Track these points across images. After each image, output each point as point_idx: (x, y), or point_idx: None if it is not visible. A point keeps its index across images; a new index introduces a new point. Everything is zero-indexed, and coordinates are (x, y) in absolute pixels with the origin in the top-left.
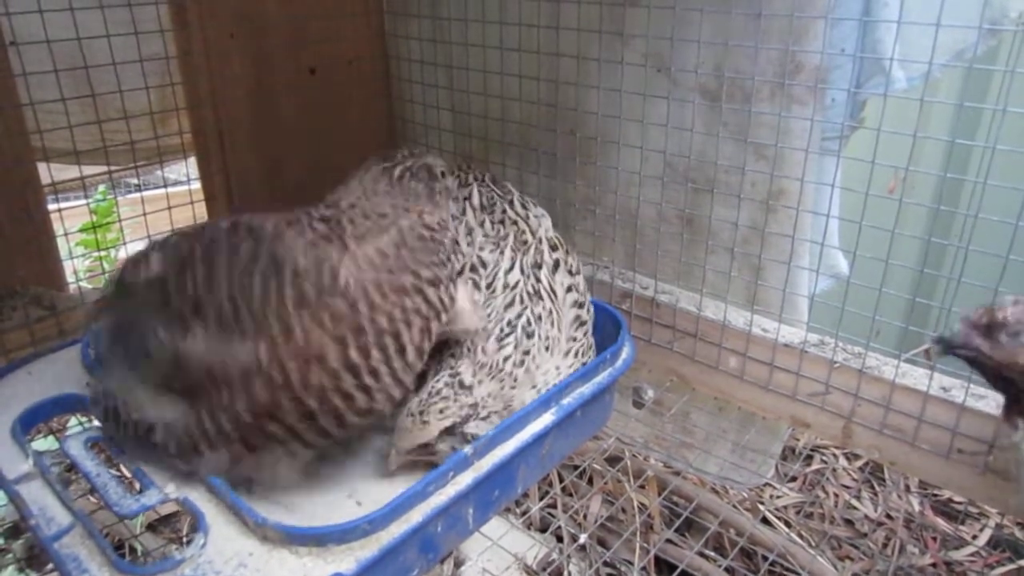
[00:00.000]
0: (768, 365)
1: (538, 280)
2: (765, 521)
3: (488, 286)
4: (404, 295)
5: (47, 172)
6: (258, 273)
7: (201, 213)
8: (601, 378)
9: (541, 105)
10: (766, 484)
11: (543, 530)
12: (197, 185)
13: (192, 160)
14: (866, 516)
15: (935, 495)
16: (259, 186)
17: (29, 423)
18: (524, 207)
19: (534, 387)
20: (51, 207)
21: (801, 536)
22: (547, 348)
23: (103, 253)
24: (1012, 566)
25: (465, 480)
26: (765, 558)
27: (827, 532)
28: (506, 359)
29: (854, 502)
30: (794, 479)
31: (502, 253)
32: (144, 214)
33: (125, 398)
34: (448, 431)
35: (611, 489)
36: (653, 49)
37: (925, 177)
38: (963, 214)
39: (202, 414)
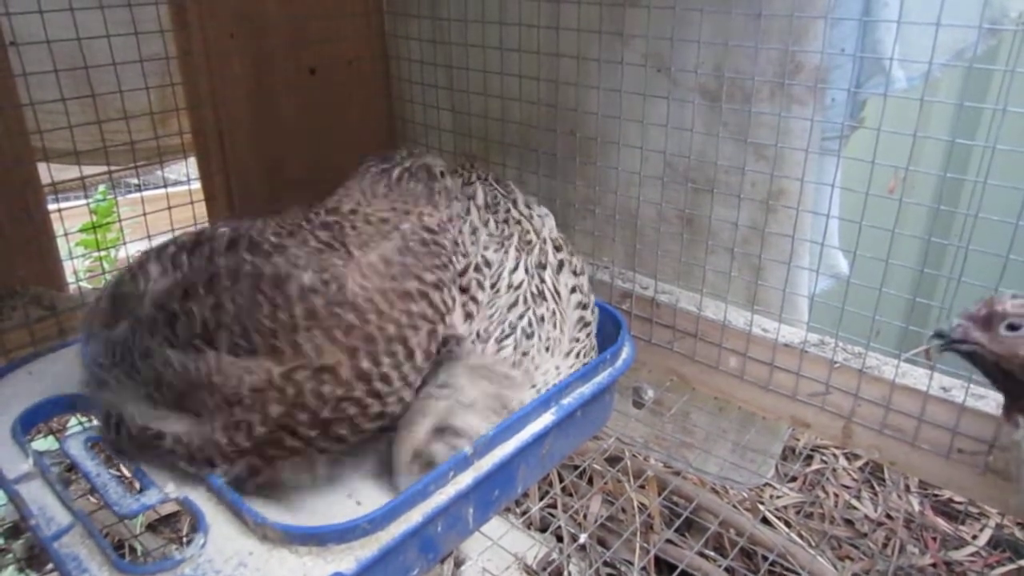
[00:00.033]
0: (768, 365)
1: (542, 281)
2: (765, 521)
3: (493, 286)
4: (410, 301)
5: (47, 172)
6: (263, 293)
7: (201, 213)
8: (601, 378)
9: (541, 105)
10: (766, 484)
11: (543, 530)
12: (197, 185)
13: (192, 160)
14: (866, 516)
15: (935, 495)
16: (259, 186)
17: (29, 423)
18: (528, 207)
19: (534, 387)
20: (51, 207)
21: (801, 536)
22: (547, 349)
23: (103, 253)
24: (1012, 566)
25: (465, 480)
26: (765, 558)
27: (827, 532)
28: (504, 360)
29: (854, 502)
30: (794, 479)
31: (507, 253)
32: (144, 214)
33: (128, 411)
34: (437, 430)
35: (611, 489)
36: (653, 49)
37: (925, 177)
38: (963, 214)
39: (216, 430)
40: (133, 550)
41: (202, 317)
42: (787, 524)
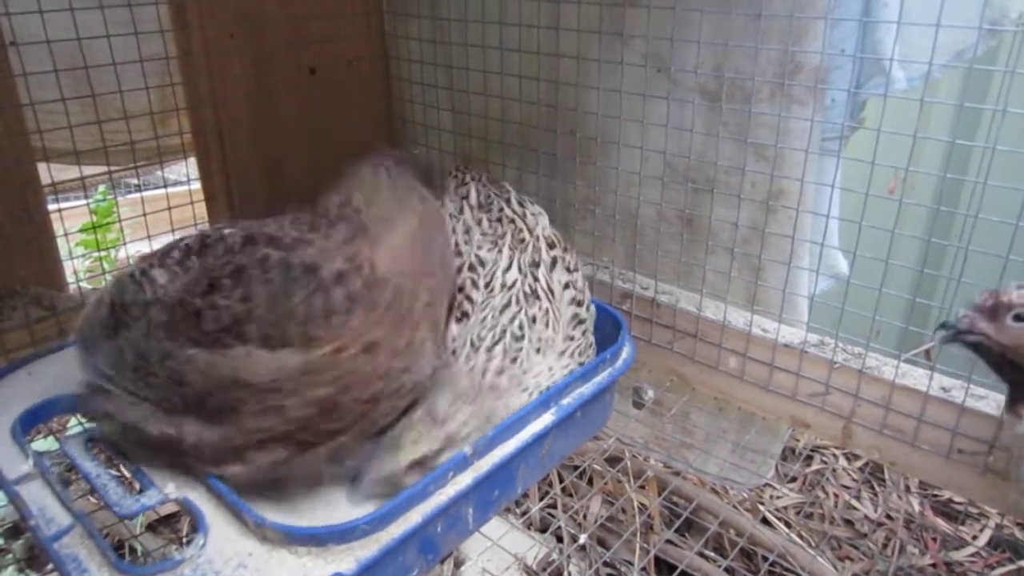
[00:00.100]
0: (768, 365)
1: (536, 279)
2: (765, 521)
3: (486, 285)
4: (431, 276)
5: (47, 172)
6: (296, 281)
7: (201, 213)
8: (601, 378)
9: (541, 105)
10: (766, 484)
11: (543, 530)
12: (197, 185)
13: (192, 160)
14: (866, 516)
15: (935, 495)
16: (259, 186)
17: (29, 423)
18: (521, 205)
19: (525, 391)
20: (51, 207)
21: (801, 536)
22: (538, 350)
23: (103, 253)
24: (1012, 567)
25: (465, 480)
26: (765, 558)
27: (827, 532)
28: (491, 371)
29: (854, 502)
30: (794, 479)
31: (500, 252)
32: (144, 214)
33: (139, 417)
34: (418, 463)
35: (611, 489)
36: (653, 49)
37: (925, 177)
38: (963, 214)
39: (247, 420)
40: (133, 550)
41: (230, 310)
42: (787, 524)
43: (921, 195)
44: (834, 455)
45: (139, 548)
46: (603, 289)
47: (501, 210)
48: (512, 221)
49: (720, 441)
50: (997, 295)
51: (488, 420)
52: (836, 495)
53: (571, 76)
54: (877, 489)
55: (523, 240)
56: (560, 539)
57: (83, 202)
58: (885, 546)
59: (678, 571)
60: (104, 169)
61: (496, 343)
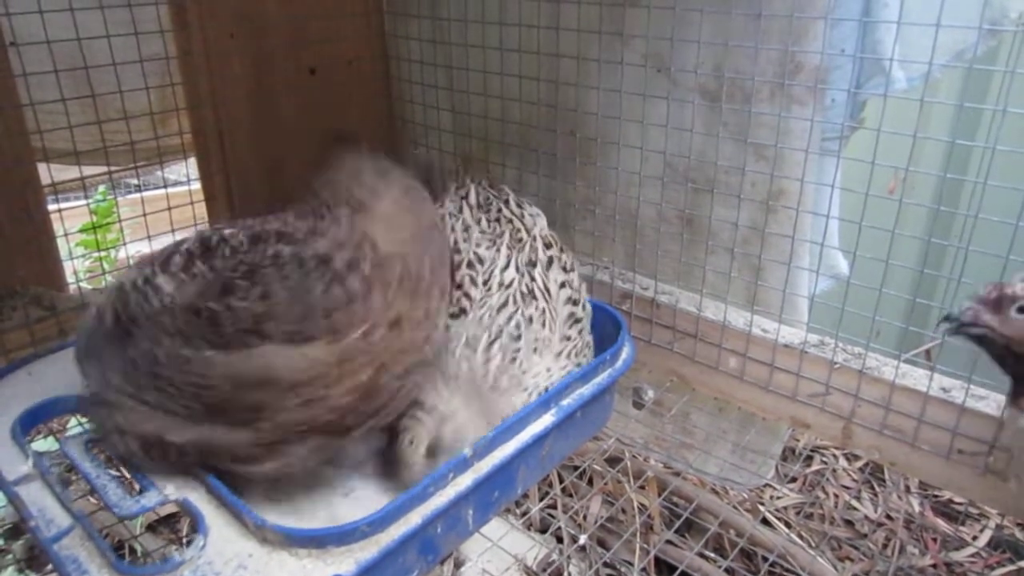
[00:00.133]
0: (768, 366)
1: (532, 279)
2: (765, 522)
3: (484, 283)
4: (430, 243)
5: (47, 172)
6: (312, 276)
7: (201, 213)
8: (601, 379)
9: (541, 106)
10: (766, 485)
11: (543, 531)
12: (197, 185)
13: (192, 160)
14: (866, 517)
15: (935, 496)
16: (259, 186)
17: (29, 424)
18: (519, 206)
19: (524, 390)
20: (51, 207)
21: (801, 537)
22: (535, 350)
23: (103, 253)
24: (1012, 567)
25: (465, 481)
26: (765, 559)
27: (827, 533)
28: (490, 370)
29: (854, 503)
30: (794, 480)
31: (498, 250)
32: (144, 214)
33: (159, 429)
34: (428, 453)
35: (611, 490)
36: (653, 49)
37: (925, 177)
38: (963, 214)
39: (281, 418)
40: (133, 551)
41: (249, 311)
42: (787, 525)
43: (921, 195)
44: (834, 455)
45: (139, 549)
46: (603, 289)
47: (499, 211)
48: (510, 221)
49: (720, 441)
50: (1001, 287)
51: (490, 417)
52: (836, 495)
53: (571, 76)
54: (877, 489)
55: (520, 240)
56: (560, 540)
57: (83, 202)
58: (885, 546)
59: (678, 572)
60: (104, 169)
61: (493, 342)
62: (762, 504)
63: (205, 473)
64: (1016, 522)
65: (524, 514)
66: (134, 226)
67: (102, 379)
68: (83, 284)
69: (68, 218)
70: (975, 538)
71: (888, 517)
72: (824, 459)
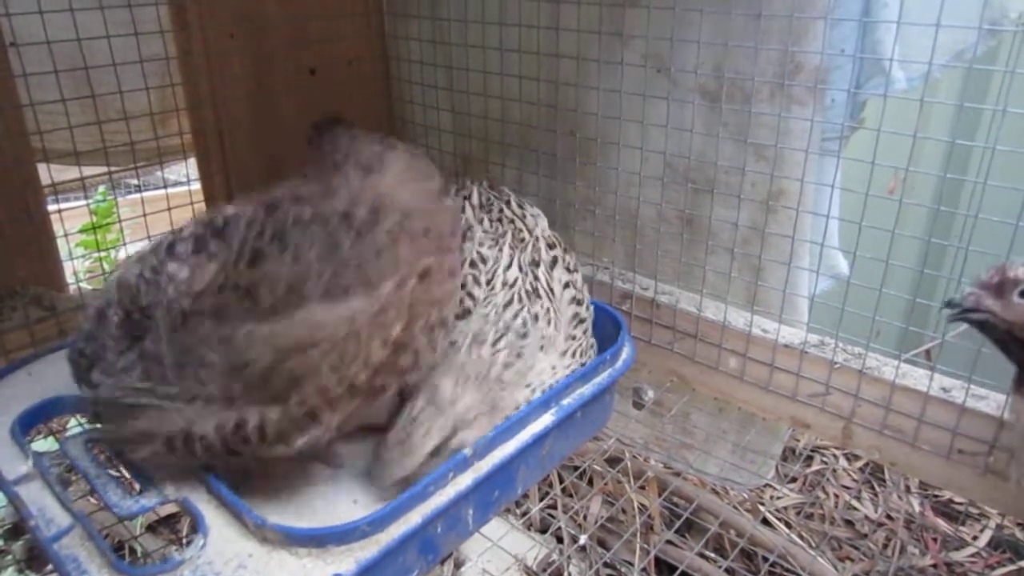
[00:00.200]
0: (768, 366)
1: (536, 278)
2: (765, 522)
3: (488, 282)
4: (438, 197)
5: (47, 173)
6: (338, 232)
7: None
8: (601, 379)
9: (541, 106)
10: (766, 485)
11: (543, 531)
12: (197, 186)
13: (192, 161)
14: (866, 517)
15: (935, 496)
16: (259, 186)
17: (29, 424)
18: (520, 207)
19: (528, 386)
20: (51, 208)
21: (801, 537)
22: (541, 348)
23: (103, 254)
24: (1012, 567)
25: (465, 481)
26: (765, 559)
27: (827, 533)
28: (497, 364)
29: (854, 503)
30: (794, 480)
31: (501, 250)
32: (144, 215)
33: (184, 424)
34: (435, 452)
35: (611, 490)
36: (653, 50)
37: (925, 177)
38: (963, 214)
39: (320, 382)
40: (133, 551)
41: (284, 276)
42: (787, 525)
43: (921, 195)
44: (834, 455)
45: (139, 549)
46: (603, 289)
47: (501, 211)
48: (512, 221)
49: (720, 441)
50: (1003, 271)
51: (494, 409)
52: (836, 495)
53: (571, 76)
54: (877, 489)
55: (523, 240)
56: (560, 540)
57: (83, 203)
58: (885, 546)
59: (678, 572)
60: (104, 170)
61: (500, 338)
62: (762, 504)
63: (206, 473)
64: (1016, 522)
65: (524, 514)
66: (134, 226)
67: (113, 384)
68: (83, 284)
69: (68, 218)
70: (975, 538)
71: (888, 517)
72: (824, 459)
